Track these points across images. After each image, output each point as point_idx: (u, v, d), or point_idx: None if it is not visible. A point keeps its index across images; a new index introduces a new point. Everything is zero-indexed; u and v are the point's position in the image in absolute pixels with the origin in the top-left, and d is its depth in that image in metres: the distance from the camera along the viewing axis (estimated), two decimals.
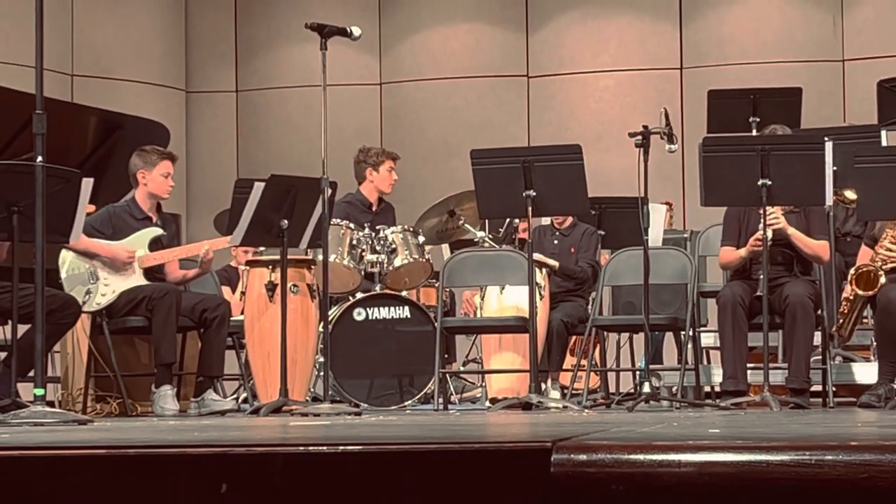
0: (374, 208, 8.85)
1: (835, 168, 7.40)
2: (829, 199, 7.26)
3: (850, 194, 7.84)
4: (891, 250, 7.11)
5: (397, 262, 8.39)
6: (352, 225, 8.36)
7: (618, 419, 5.42)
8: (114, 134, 8.79)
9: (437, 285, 8.44)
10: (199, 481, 2.90)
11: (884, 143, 8.04)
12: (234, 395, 8.73)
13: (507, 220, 9.29)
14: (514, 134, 12.71)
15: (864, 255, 7.27)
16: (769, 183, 7.02)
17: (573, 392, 8.10)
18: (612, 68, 12.88)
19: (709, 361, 8.76)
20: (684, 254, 8.11)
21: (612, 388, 9.14)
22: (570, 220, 8.67)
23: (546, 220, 8.74)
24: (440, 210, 9.17)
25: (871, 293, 7.03)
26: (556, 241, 8.63)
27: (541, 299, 7.95)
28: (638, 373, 8.59)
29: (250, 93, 13.57)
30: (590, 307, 8.34)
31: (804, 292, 7.26)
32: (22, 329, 6.41)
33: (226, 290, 9.00)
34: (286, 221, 7.33)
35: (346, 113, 12.86)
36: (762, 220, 7.18)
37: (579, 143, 7.65)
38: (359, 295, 8.34)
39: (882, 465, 2.62)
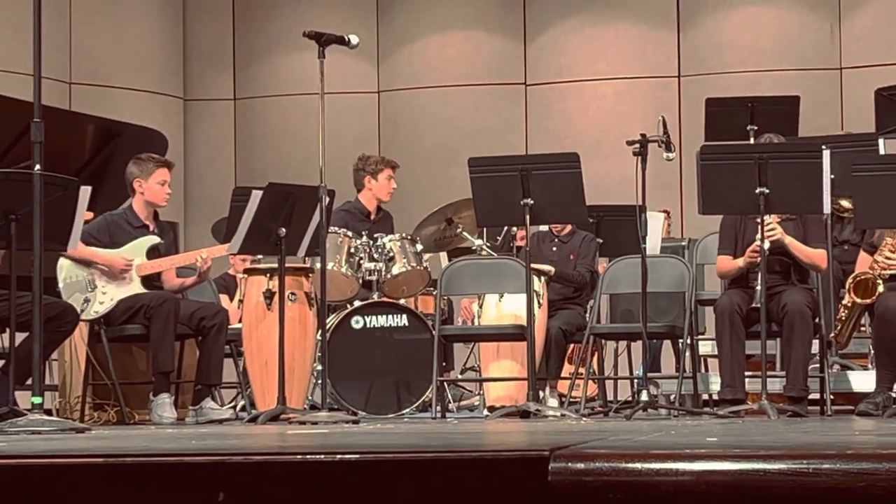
0: (372, 216, 8.84)
1: (832, 176, 7.40)
2: (827, 208, 7.27)
3: (845, 203, 7.85)
4: (890, 258, 7.12)
5: (395, 270, 8.39)
6: (350, 233, 8.36)
7: (615, 427, 5.42)
8: (112, 142, 8.78)
9: (434, 293, 8.44)
10: (197, 490, 2.90)
11: (881, 152, 8.04)
12: (232, 404, 8.73)
13: (505, 228, 9.30)
14: (511, 142, 12.71)
15: (863, 261, 7.27)
16: (767, 191, 7.03)
17: (571, 400, 8.10)
18: (609, 76, 12.89)
19: (707, 369, 8.76)
20: (682, 262, 8.11)
21: (609, 397, 9.15)
22: (569, 227, 8.67)
23: (545, 227, 8.74)
24: (438, 218, 9.17)
25: (869, 301, 7.03)
26: (554, 248, 8.63)
27: (539, 307, 7.95)
28: (636, 381, 8.59)
29: (248, 101, 13.58)
30: (588, 315, 8.34)
31: (802, 300, 7.26)
32: (20, 337, 6.40)
33: (224, 299, 9.00)
34: (284, 229, 7.33)
35: (344, 121, 12.86)
36: (759, 229, 7.18)
37: (577, 152, 7.65)
38: (357, 303, 8.33)
39: (879, 474, 2.62)
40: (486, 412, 8.20)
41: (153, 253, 7.83)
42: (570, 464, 2.75)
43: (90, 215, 7.57)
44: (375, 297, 8.37)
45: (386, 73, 13.33)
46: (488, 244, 9.05)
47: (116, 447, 3.61)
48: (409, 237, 8.54)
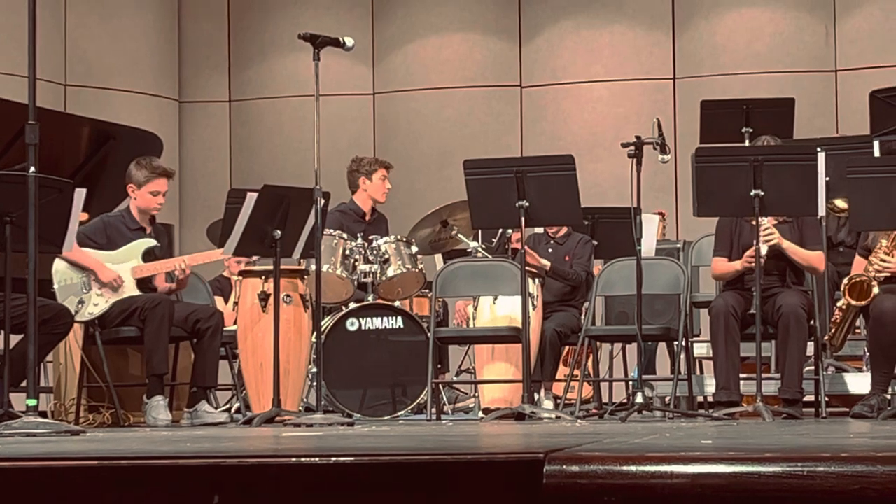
0: (367, 217, 8.85)
1: (827, 178, 7.41)
2: (822, 210, 7.27)
3: (841, 203, 7.85)
4: (885, 261, 7.12)
5: (390, 272, 8.40)
6: (345, 235, 8.37)
7: (610, 430, 5.42)
8: (106, 144, 8.78)
9: (429, 295, 8.44)
10: (192, 492, 2.90)
11: (876, 154, 8.04)
12: (227, 406, 8.72)
13: (500, 230, 9.30)
14: (507, 144, 12.71)
15: (857, 265, 7.27)
16: (762, 193, 7.03)
17: (566, 402, 8.10)
18: (605, 78, 12.89)
19: (702, 372, 8.76)
20: (677, 264, 8.11)
21: (604, 399, 9.15)
22: (564, 229, 8.67)
23: (540, 229, 8.74)
24: (433, 220, 9.18)
25: (864, 303, 7.04)
26: (550, 250, 8.63)
27: (534, 309, 7.95)
28: (631, 383, 8.59)
29: (243, 103, 13.57)
30: (583, 317, 8.34)
31: (797, 303, 7.27)
32: (14, 339, 6.40)
33: (219, 301, 8.99)
34: (279, 232, 7.33)
35: (340, 123, 12.86)
36: (755, 233, 7.18)
37: (572, 154, 7.65)
38: (352, 305, 8.34)
39: (874, 476, 2.62)
40: (480, 414, 8.20)
41: (149, 256, 7.83)
42: (564, 466, 2.75)
43: (85, 217, 7.57)
44: (370, 299, 8.37)
45: (381, 76, 13.33)
46: (483, 246, 9.05)
47: (111, 450, 3.60)
48: (404, 239, 8.55)
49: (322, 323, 7.73)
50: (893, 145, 7.95)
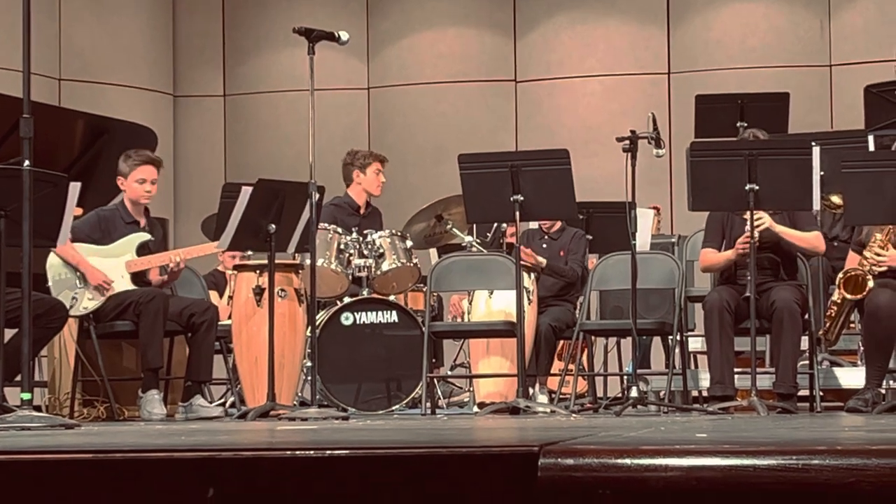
0: (361, 211, 8.85)
1: (822, 173, 7.41)
2: (817, 204, 7.27)
3: (836, 199, 7.85)
4: (879, 255, 7.12)
5: (385, 266, 8.39)
6: (339, 229, 8.36)
7: (605, 424, 5.43)
8: (101, 138, 8.77)
9: (424, 290, 8.44)
10: (187, 486, 2.90)
11: (871, 149, 8.05)
12: (222, 400, 8.72)
13: (495, 224, 9.30)
14: (501, 138, 12.71)
15: (851, 261, 7.27)
16: (756, 188, 7.03)
17: (561, 396, 8.10)
18: (599, 73, 12.89)
19: (696, 366, 8.77)
20: (672, 258, 8.12)
21: (599, 393, 9.14)
22: (558, 223, 8.67)
23: (535, 224, 8.74)
24: (428, 214, 9.17)
25: (858, 297, 7.04)
26: (544, 245, 8.63)
27: (529, 304, 7.95)
28: (625, 377, 8.59)
29: (238, 97, 13.56)
30: (577, 312, 8.35)
31: (791, 297, 7.27)
32: (9, 333, 6.39)
33: (213, 295, 8.99)
34: (274, 226, 7.32)
35: (334, 117, 12.86)
36: (747, 224, 7.18)
37: (567, 148, 7.65)
38: (346, 299, 8.34)
39: (868, 470, 2.62)
40: (475, 408, 8.20)
41: (143, 249, 7.83)
42: (559, 460, 2.75)
43: (79, 211, 7.55)
44: (365, 293, 8.37)
45: (376, 70, 13.32)
46: (478, 241, 9.05)
47: (106, 443, 3.60)
48: (399, 233, 8.55)
49: (317, 317, 7.73)
50: (887, 140, 7.95)
